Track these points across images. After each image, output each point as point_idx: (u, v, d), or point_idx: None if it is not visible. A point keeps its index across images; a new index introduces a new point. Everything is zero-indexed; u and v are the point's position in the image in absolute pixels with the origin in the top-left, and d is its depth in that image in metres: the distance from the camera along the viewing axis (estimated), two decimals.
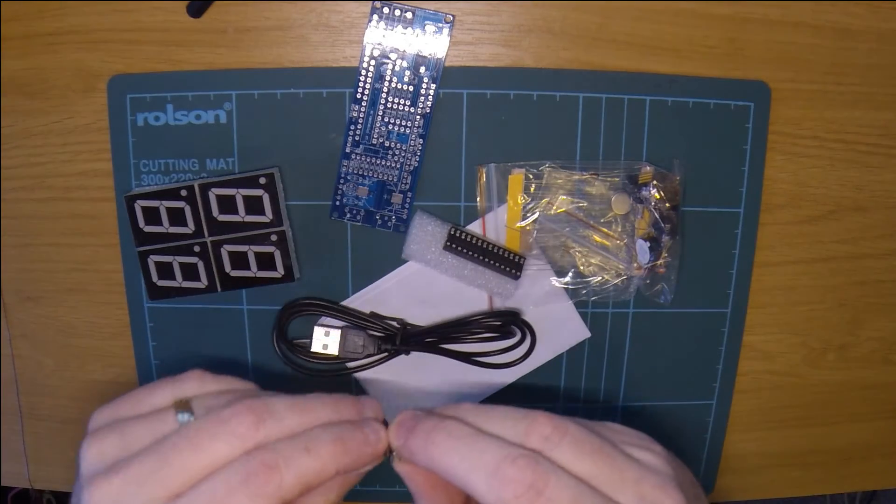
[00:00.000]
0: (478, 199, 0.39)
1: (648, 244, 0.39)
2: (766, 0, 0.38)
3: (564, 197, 0.39)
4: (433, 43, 0.38)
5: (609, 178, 0.39)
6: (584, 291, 0.40)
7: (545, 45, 0.38)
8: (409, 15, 0.37)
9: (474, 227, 0.40)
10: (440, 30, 0.37)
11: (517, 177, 0.39)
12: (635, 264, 0.40)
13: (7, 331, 0.42)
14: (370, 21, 0.37)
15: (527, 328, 0.40)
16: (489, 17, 0.38)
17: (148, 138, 0.39)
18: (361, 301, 0.41)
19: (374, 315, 0.40)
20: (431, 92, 0.38)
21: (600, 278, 0.40)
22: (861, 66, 0.39)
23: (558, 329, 0.41)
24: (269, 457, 0.27)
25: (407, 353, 0.40)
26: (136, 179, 0.39)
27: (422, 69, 0.38)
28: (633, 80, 0.38)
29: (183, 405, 0.29)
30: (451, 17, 0.37)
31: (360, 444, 0.30)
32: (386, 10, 0.37)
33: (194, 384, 0.30)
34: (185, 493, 0.26)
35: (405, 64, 0.38)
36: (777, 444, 0.45)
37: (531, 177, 0.39)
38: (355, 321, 0.40)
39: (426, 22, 0.37)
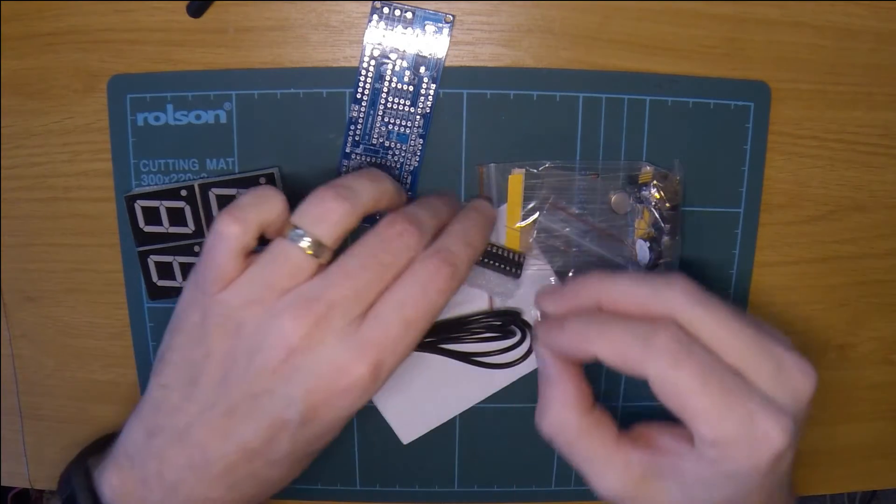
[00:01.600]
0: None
1: (648, 244, 0.39)
2: (766, 0, 0.38)
3: (564, 197, 0.39)
4: (433, 43, 0.38)
5: (609, 178, 0.39)
6: None
7: (545, 45, 0.38)
8: (409, 15, 0.37)
9: None
10: (440, 30, 0.37)
11: (517, 177, 0.39)
12: (635, 264, 0.40)
13: (7, 331, 0.42)
14: (370, 21, 0.37)
15: (527, 328, 0.40)
16: (489, 17, 0.38)
17: (148, 138, 0.39)
18: None
19: None
20: (431, 92, 0.38)
21: None
22: (861, 66, 0.39)
23: None
24: (449, 256, 0.30)
25: None
26: (136, 179, 0.39)
27: (422, 69, 0.38)
28: (633, 80, 0.38)
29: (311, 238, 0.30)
30: (451, 17, 0.37)
31: (491, 227, 0.35)
32: (386, 10, 0.37)
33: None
34: (380, 301, 0.30)
35: (405, 64, 0.38)
36: None
37: (531, 177, 0.39)
38: None
39: (426, 22, 0.37)
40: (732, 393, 0.27)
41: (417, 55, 0.38)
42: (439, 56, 0.38)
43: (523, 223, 0.39)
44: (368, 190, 0.31)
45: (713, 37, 0.38)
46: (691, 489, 0.29)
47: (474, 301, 0.41)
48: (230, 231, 0.30)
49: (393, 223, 0.30)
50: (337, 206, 0.30)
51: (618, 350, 0.28)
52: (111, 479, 0.31)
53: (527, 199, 0.39)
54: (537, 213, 0.39)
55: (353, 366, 0.28)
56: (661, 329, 0.28)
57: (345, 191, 0.30)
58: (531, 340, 0.33)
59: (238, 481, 0.30)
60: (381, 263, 0.30)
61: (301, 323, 0.28)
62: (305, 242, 0.29)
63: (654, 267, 0.39)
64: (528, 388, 0.42)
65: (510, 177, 0.39)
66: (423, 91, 0.38)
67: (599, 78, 0.38)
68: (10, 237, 0.41)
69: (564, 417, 0.31)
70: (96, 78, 0.38)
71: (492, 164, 0.39)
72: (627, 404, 0.43)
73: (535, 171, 0.39)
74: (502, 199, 0.39)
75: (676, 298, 0.29)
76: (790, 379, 0.28)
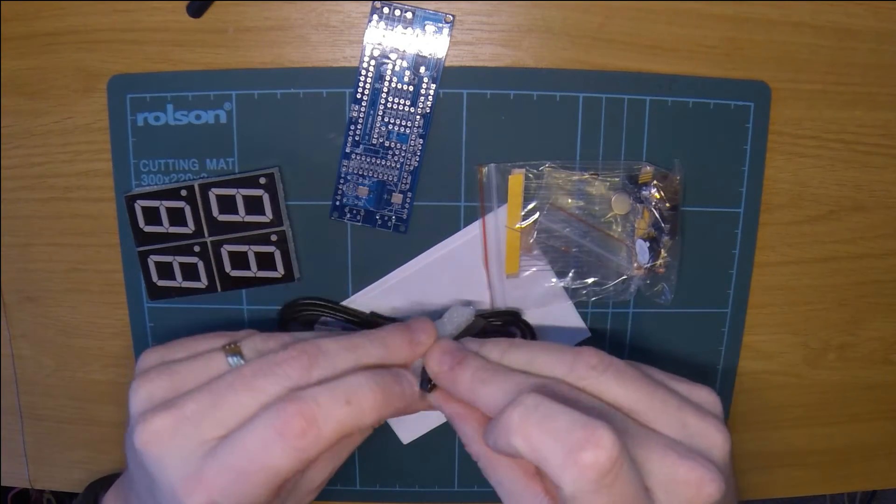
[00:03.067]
0: (478, 199, 0.39)
1: (648, 244, 0.39)
2: (766, 0, 0.38)
3: (564, 197, 0.39)
4: (433, 43, 0.38)
5: (609, 178, 0.39)
6: (584, 291, 0.40)
7: (545, 45, 0.38)
8: (409, 15, 0.37)
9: (474, 228, 0.40)
10: (440, 30, 0.37)
11: (517, 177, 0.39)
12: (635, 264, 0.40)
13: (7, 331, 0.42)
14: (370, 21, 0.37)
15: (527, 328, 0.40)
16: (489, 17, 0.38)
17: (148, 138, 0.39)
18: (361, 301, 0.41)
19: (374, 315, 0.40)
20: (431, 92, 0.38)
21: (600, 278, 0.40)
22: (861, 66, 0.39)
23: (558, 329, 0.41)
24: (308, 409, 0.26)
25: None
26: (136, 179, 0.39)
27: (422, 69, 0.38)
28: (633, 80, 0.38)
29: (234, 349, 0.29)
30: (451, 17, 0.37)
31: (398, 397, 0.29)
32: (386, 10, 0.37)
33: (244, 334, 0.30)
34: (224, 440, 0.26)
35: (405, 64, 0.38)
36: (777, 444, 0.45)
37: (531, 177, 0.39)
38: (355, 321, 0.40)
39: (426, 22, 0.37)
40: (541, 422, 0.25)
41: (417, 55, 0.38)
42: (439, 56, 0.38)
43: (523, 223, 0.39)
44: (292, 354, 0.28)
45: (713, 37, 0.38)
46: None
47: (474, 301, 0.41)
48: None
49: (289, 347, 0.28)
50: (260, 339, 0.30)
51: (485, 402, 0.29)
52: None
53: (527, 199, 0.39)
54: (537, 213, 0.39)
55: (184, 496, 0.26)
56: (526, 397, 0.26)
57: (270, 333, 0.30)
58: (422, 387, 0.31)
59: None
60: (250, 387, 0.27)
61: (149, 432, 0.27)
62: (232, 359, 0.29)
63: (653, 267, 0.39)
64: None
65: (510, 177, 0.39)
66: (423, 91, 0.38)
67: (599, 78, 0.38)
68: (10, 237, 0.41)
69: (475, 451, 0.31)
70: (96, 78, 0.38)
71: (492, 164, 0.39)
72: None
73: (535, 171, 0.39)
74: (502, 199, 0.39)
75: (589, 362, 0.29)
76: (698, 437, 0.27)
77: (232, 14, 0.37)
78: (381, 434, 0.43)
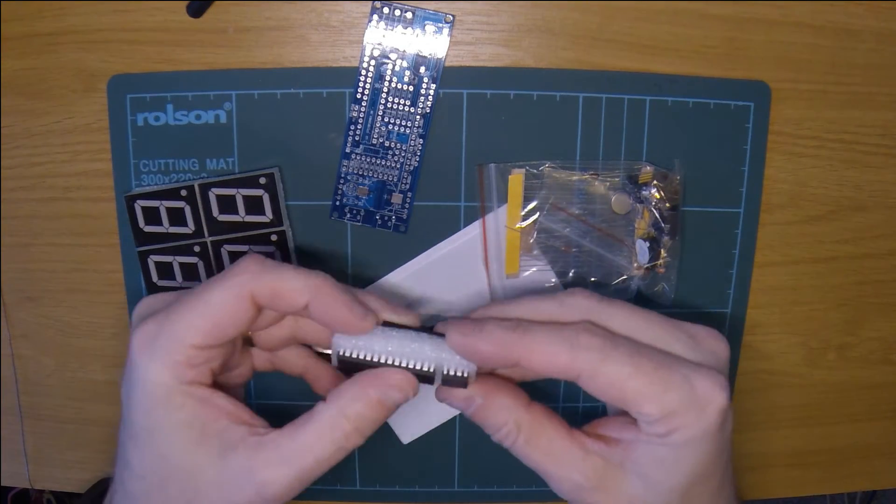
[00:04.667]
0: (478, 199, 0.39)
1: (648, 244, 0.39)
2: (766, 0, 0.38)
3: (564, 197, 0.39)
4: (433, 43, 0.38)
5: (609, 178, 0.39)
6: None
7: (545, 45, 0.38)
8: (409, 15, 0.37)
9: (474, 228, 0.40)
10: (440, 30, 0.37)
11: (517, 177, 0.39)
12: (635, 264, 0.40)
13: (7, 331, 0.42)
14: (370, 21, 0.37)
15: None
16: (489, 17, 0.38)
17: (148, 138, 0.39)
18: None
19: None
20: (431, 92, 0.38)
21: (600, 278, 0.40)
22: (861, 66, 0.39)
23: None
24: (255, 255, 0.29)
25: None
26: (136, 179, 0.39)
27: (422, 69, 0.38)
28: (633, 80, 0.38)
29: None
30: (451, 17, 0.37)
31: (338, 299, 0.29)
32: (386, 10, 0.37)
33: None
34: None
35: (405, 64, 0.38)
36: (777, 444, 0.45)
37: (531, 177, 0.39)
38: None
39: (426, 22, 0.37)
40: (664, 366, 0.27)
41: (417, 55, 0.38)
42: (439, 56, 0.38)
43: (523, 223, 0.39)
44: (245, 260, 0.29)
45: (713, 37, 0.38)
46: (651, 475, 0.29)
47: (474, 301, 0.41)
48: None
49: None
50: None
51: (545, 356, 0.28)
52: None
53: (527, 199, 0.39)
54: (537, 213, 0.39)
55: (131, 340, 0.29)
56: (581, 329, 0.28)
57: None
58: (437, 389, 0.30)
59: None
60: (225, 276, 0.29)
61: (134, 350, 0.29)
62: None
63: (653, 267, 0.39)
64: (528, 388, 0.42)
65: (510, 177, 0.39)
66: (423, 91, 0.38)
67: (599, 78, 0.38)
68: (10, 237, 0.41)
69: (510, 418, 0.30)
70: (96, 78, 0.38)
71: (492, 164, 0.39)
72: (588, 404, 0.43)
73: (535, 171, 0.39)
74: (502, 199, 0.39)
75: (580, 304, 0.29)
76: (705, 344, 0.29)
77: (232, 14, 0.37)
78: (382, 434, 0.43)
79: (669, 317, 0.30)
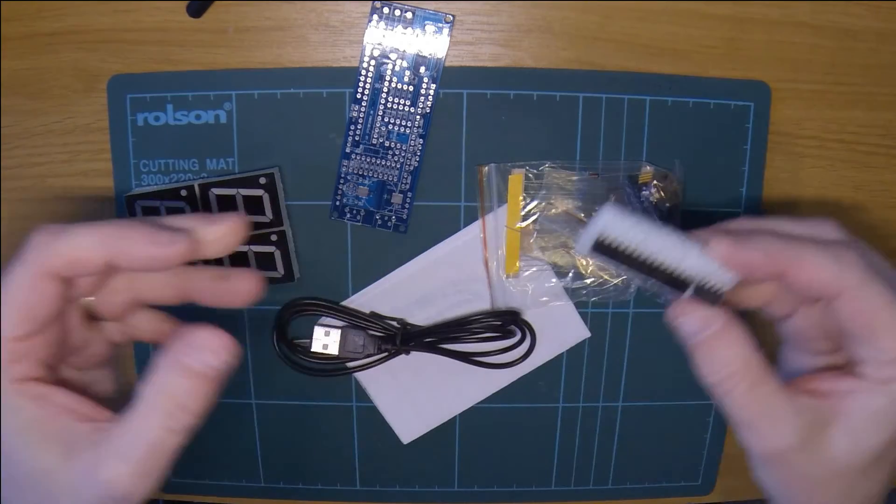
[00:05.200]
0: (478, 199, 0.39)
1: None
2: (766, 0, 0.38)
3: (564, 197, 0.39)
4: (433, 43, 0.38)
5: (609, 178, 0.39)
6: (584, 292, 0.40)
7: (545, 45, 0.38)
8: (409, 15, 0.37)
9: (474, 228, 0.40)
10: (440, 30, 0.37)
11: (517, 177, 0.39)
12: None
13: None
14: (370, 21, 0.37)
15: (527, 328, 0.40)
16: (489, 17, 0.38)
17: (148, 138, 0.39)
18: (361, 301, 0.41)
19: (374, 315, 0.40)
20: (431, 92, 0.38)
21: (600, 279, 0.40)
22: (861, 66, 0.39)
23: (558, 329, 0.41)
24: (48, 228, 0.26)
25: (407, 353, 0.40)
26: (136, 179, 0.39)
27: (422, 69, 0.38)
28: (633, 80, 0.38)
29: None
30: (451, 17, 0.37)
31: (136, 236, 0.26)
32: (386, 10, 0.37)
33: None
34: None
35: (405, 64, 0.38)
36: None
37: (531, 177, 0.39)
38: (355, 321, 0.40)
39: (426, 22, 0.37)
40: None
41: (417, 55, 0.38)
42: (439, 56, 0.38)
43: (523, 223, 0.39)
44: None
45: (713, 37, 0.38)
46: (860, 430, 0.28)
47: (474, 301, 0.41)
48: None
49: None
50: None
51: (814, 269, 0.27)
52: None
53: (527, 199, 0.39)
54: (537, 213, 0.39)
55: None
56: (847, 247, 0.28)
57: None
58: (674, 303, 0.29)
59: None
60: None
61: None
62: None
63: None
64: (528, 388, 0.42)
65: (510, 177, 0.39)
66: (423, 91, 0.38)
67: (599, 78, 0.38)
68: (10, 237, 0.41)
69: (741, 355, 0.28)
70: (96, 78, 0.38)
71: (492, 164, 0.39)
72: (628, 404, 0.43)
73: (535, 171, 0.39)
74: (502, 199, 0.39)
75: (832, 231, 0.29)
76: None
77: (232, 14, 0.37)
78: (382, 434, 0.43)
79: None
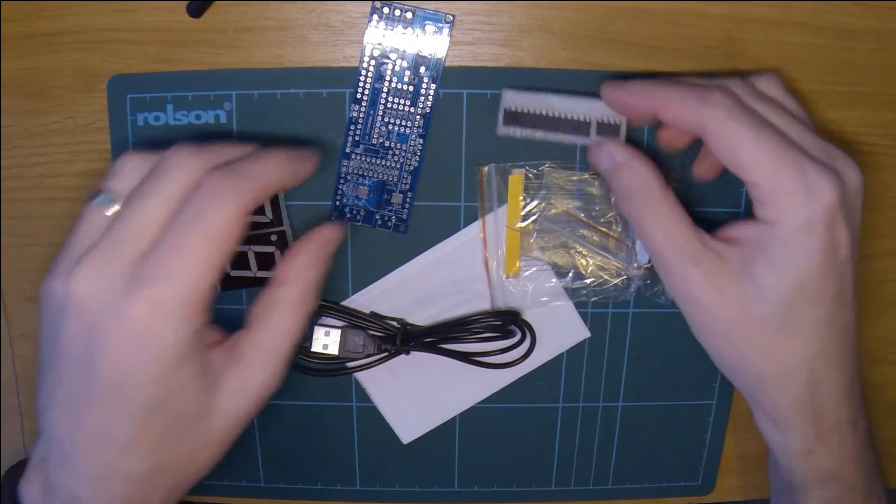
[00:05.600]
0: (478, 199, 0.39)
1: None
2: (766, 0, 0.38)
3: (564, 197, 0.39)
4: (433, 43, 0.38)
5: None
6: (584, 292, 0.40)
7: (545, 45, 0.38)
8: (409, 15, 0.37)
9: (474, 228, 0.40)
10: (440, 30, 0.37)
11: (517, 177, 0.39)
12: (635, 264, 0.40)
13: (7, 331, 0.42)
14: (370, 21, 0.37)
15: (527, 328, 0.40)
16: (489, 17, 0.38)
17: (148, 138, 0.39)
18: (361, 301, 0.41)
19: (374, 315, 0.40)
20: (431, 92, 0.38)
21: (600, 279, 0.40)
22: (861, 66, 0.39)
23: (558, 329, 0.41)
24: (226, 171, 0.28)
25: (407, 353, 0.40)
26: None
27: (422, 69, 0.38)
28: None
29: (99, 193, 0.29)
30: (451, 18, 0.37)
31: (301, 159, 0.32)
32: (386, 10, 0.37)
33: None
34: (154, 245, 0.27)
35: (405, 64, 0.38)
36: None
37: (531, 177, 0.39)
38: (355, 321, 0.40)
39: (426, 22, 0.37)
40: (785, 147, 0.29)
41: (417, 55, 0.38)
42: (439, 56, 0.38)
43: (523, 223, 0.39)
44: (177, 150, 0.29)
45: (713, 37, 0.38)
46: (761, 279, 0.30)
47: (474, 301, 0.41)
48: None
49: (165, 152, 0.29)
50: (128, 159, 0.29)
51: (677, 106, 0.31)
52: (24, 488, 0.29)
53: (527, 199, 0.39)
54: (537, 213, 0.39)
55: (129, 307, 0.26)
56: (716, 89, 0.30)
57: (142, 148, 0.30)
58: (596, 150, 0.35)
59: (99, 478, 0.28)
60: (146, 190, 0.28)
61: (78, 280, 0.26)
62: (97, 199, 0.29)
63: (653, 267, 0.39)
64: (528, 388, 0.42)
65: (510, 177, 0.39)
66: (423, 91, 0.38)
67: (599, 78, 0.38)
68: (9, 237, 0.41)
69: (644, 184, 0.32)
70: (96, 78, 0.38)
71: (492, 164, 0.39)
72: (627, 404, 0.43)
73: (535, 171, 0.39)
74: (502, 199, 0.39)
75: (717, 113, 0.30)
76: (839, 163, 0.30)
77: (232, 14, 0.37)
78: (382, 434, 0.43)
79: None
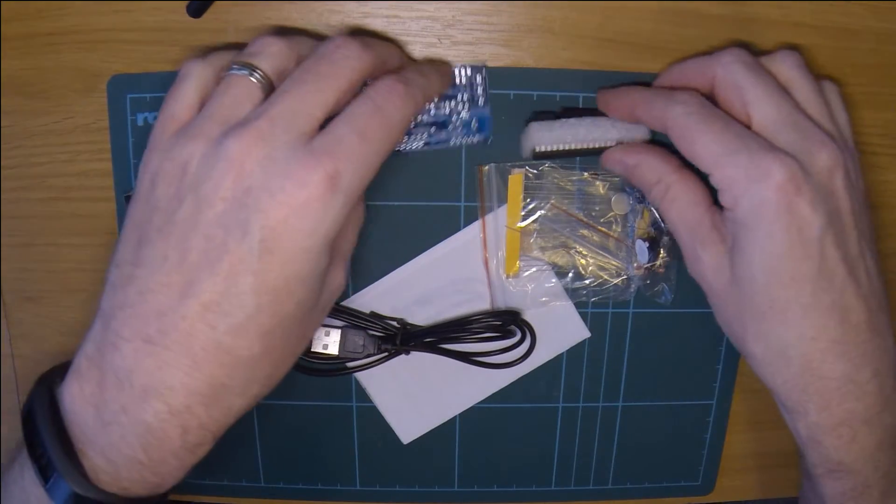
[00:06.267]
0: (478, 199, 0.39)
1: (648, 244, 0.39)
2: (766, 0, 0.38)
3: (564, 197, 0.39)
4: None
5: (609, 178, 0.39)
6: (584, 292, 0.40)
7: (545, 45, 0.38)
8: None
9: (474, 228, 0.40)
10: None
11: (517, 177, 0.39)
12: (635, 264, 0.40)
13: (7, 331, 0.42)
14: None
15: (527, 328, 0.40)
16: (489, 17, 0.38)
17: (148, 138, 0.39)
18: (361, 301, 0.41)
19: (374, 315, 0.40)
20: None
21: (600, 279, 0.40)
22: (861, 66, 0.39)
23: (558, 329, 0.41)
24: (401, 77, 0.30)
25: (407, 353, 0.40)
26: (136, 179, 0.39)
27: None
28: (633, 80, 0.38)
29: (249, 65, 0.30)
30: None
31: (445, 72, 0.36)
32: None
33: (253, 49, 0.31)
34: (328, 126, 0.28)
35: None
36: (777, 444, 0.45)
37: (531, 177, 0.39)
38: (355, 321, 0.40)
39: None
40: (736, 137, 0.31)
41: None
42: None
43: (523, 223, 0.39)
44: (307, 39, 0.31)
45: (713, 37, 0.38)
46: (737, 264, 0.32)
47: (474, 301, 0.41)
48: (189, 69, 0.30)
49: (332, 40, 0.30)
50: (274, 41, 0.30)
51: (647, 105, 0.34)
52: (71, 387, 0.28)
53: (527, 199, 0.39)
54: (537, 213, 0.39)
55: (305, 174, 0.26)
56: (682, 91, 0.33)
57: (284, 34, 0.31)
58: (612, 154, 0.37)
59: (201, 359, 0.26)
60: (317, 73, 0.28)
61: (244, 142, 0.26)
62: (244, 71, 0.29)
63: (652, 267, 0.39)
64: (528, 388, 0.42)
65: (510, 177, 0.39)
66: None
67: (599, 78, 0.38)
68: (10, 237, 0.41)
69: (659, 177, 0.34)
70: (96, 78, 0.38)
71: (492, 164, 0.39)
72: (628, 404, 0.43)
73: (535, 171, 0.39)
74: (502, 199, 0.39)
75: (725, 57, 0.33)
76: (810, 144, 0.31)
77: (232, 14, 0.37)
78: (382, 434, 0.43)
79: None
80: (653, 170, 0.35)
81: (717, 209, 0.33)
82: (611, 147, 0.37)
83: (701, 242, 0.33)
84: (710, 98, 0.33)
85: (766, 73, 0.32)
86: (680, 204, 0.34)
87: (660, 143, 0.36)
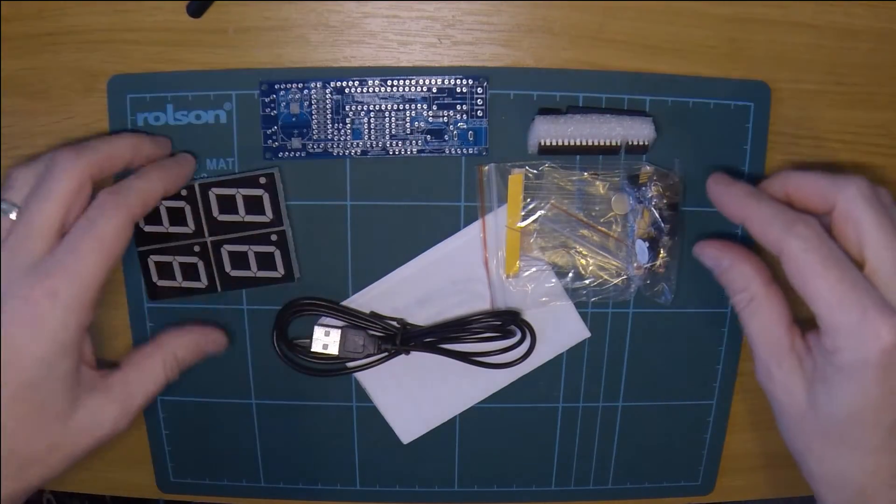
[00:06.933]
0: (478, 199, 0.39)
1: (648, 244, 0.39)
2: (766, 0, 0.38)
3: (564, 197, 0.39)
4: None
5: (609, 178, 0.39)
6: (584, 291, 0.40)
7: (545, 45, 0.38)
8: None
9: (474, 228, 0.40)
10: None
11: (517, 177, 0.39)
12: (635, 264, 0.40)
13: None
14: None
15: (527, 328, 0.40)
16: (489, 17, 0.38)
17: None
18: (361, 301, 0.41)
19: (374, 315, 0.40)
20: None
21: (600, 279, 0.40)
22: (861, 66, 0.39)
23: (558, 329, 0.41)
24: (115, 187, 0.33)
25: (407, 352, 0.40)
26: None
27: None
28: (633, 80, 0.38)
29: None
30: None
31: (178, 167, 0.37)
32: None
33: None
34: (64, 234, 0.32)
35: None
36: (777, 444, 0.45)
37: (531, 177, 0.39)
38: (355, 321, 0.40)
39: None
40: (851, 286, 0.30)
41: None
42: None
43: (523, 223, 0.39)
44: (61, 153, 0.33)
45: (713, 37, 0.38)
46: (819, 394, 0.32)
47: (474, 301, 0.41)
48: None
49: (48, 156, 0.33)
50: (16, 170, 0.33)
51: (762, 227, 0.33)
52: None
53: (527, 199, 0.39)
54: (537, 213, 0.39)
55: (27, 292, 0.30)
56: (801, 219, 0.32)
57: (33, 161, 0.34)
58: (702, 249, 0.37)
59: None
60: (37, 195, 0.32)
61: None
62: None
63: (652, 267, 0.39)
64: (528, 388, 0.42)
65: (510, 177, 0.39)
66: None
67: (599, 78, 0.38)
68: None
69: (748, 286, 0.34)
70: (96, 78, 0.38)
71: (492, 164, 0.39)
72: (628, 404, 0.43)
73: (535, 171, 0.39)
74: (502, 199, 0.39)
75: (849, 190, 0.32)
76: None
77: (232, 14, 0.37)
78: (382, 434, 0.43)
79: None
80: (743, 276, 0.35)
81: (798, 330, 0.34)
82: (704, 242, 0.37)
83: (777, 362, 0.33)
84: (824, 224, 0.33)
85: (887, 213, 0.32)
86: (761, 319, 0.34)
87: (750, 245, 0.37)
